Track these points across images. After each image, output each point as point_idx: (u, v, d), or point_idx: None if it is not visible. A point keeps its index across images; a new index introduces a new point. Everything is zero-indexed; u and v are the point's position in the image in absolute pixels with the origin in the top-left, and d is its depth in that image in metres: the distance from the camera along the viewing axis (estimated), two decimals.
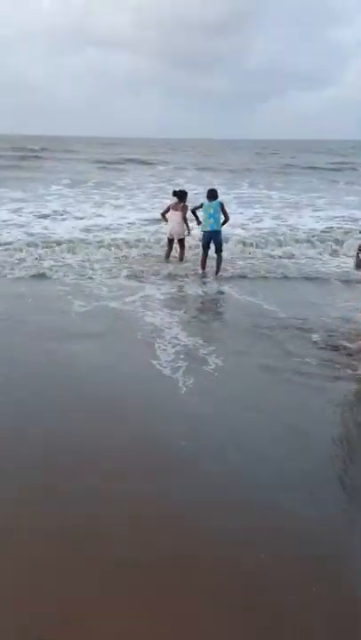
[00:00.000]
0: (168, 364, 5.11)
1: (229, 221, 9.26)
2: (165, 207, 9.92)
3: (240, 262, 9.87)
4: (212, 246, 8.92)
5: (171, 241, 9.73)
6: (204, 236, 8.95)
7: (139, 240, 10.90)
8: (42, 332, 5.92)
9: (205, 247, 8.96)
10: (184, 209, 9.45)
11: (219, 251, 8.94)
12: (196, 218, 9.19)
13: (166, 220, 9.76)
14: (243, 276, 8.98)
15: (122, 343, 5.76)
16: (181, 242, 9.68)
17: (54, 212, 14.32)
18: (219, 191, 9.28)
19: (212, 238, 8.82)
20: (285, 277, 9.01)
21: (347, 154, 48.06)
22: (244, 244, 10.99)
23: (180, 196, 9.56)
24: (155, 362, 5.14)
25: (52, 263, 9.29)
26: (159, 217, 10.42)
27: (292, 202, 17.57)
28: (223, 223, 8.92)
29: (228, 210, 9.08)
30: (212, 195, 8.90)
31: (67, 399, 4.43)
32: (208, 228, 8.78)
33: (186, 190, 9.87)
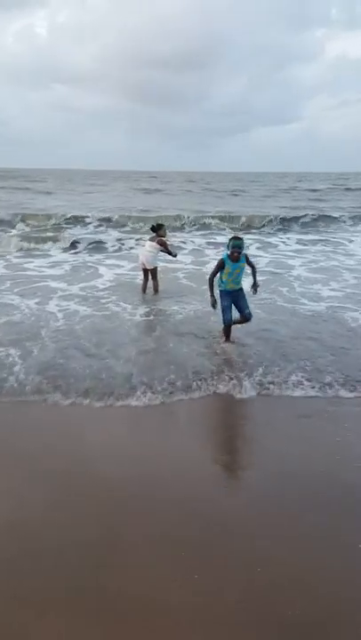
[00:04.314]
0: None
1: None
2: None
3: None
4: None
5: (144, 271, 9.14)
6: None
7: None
8: None
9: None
10: (161, 242, 8.81)
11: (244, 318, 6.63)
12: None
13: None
14: None
15: None
16: (154, 273, 9.09)
17: None
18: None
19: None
20: None
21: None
22: None
23: (155, 228, 9.06)
24: None
25: None
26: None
27: None
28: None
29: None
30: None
31: None
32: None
33: (162, 223, 9.33)
